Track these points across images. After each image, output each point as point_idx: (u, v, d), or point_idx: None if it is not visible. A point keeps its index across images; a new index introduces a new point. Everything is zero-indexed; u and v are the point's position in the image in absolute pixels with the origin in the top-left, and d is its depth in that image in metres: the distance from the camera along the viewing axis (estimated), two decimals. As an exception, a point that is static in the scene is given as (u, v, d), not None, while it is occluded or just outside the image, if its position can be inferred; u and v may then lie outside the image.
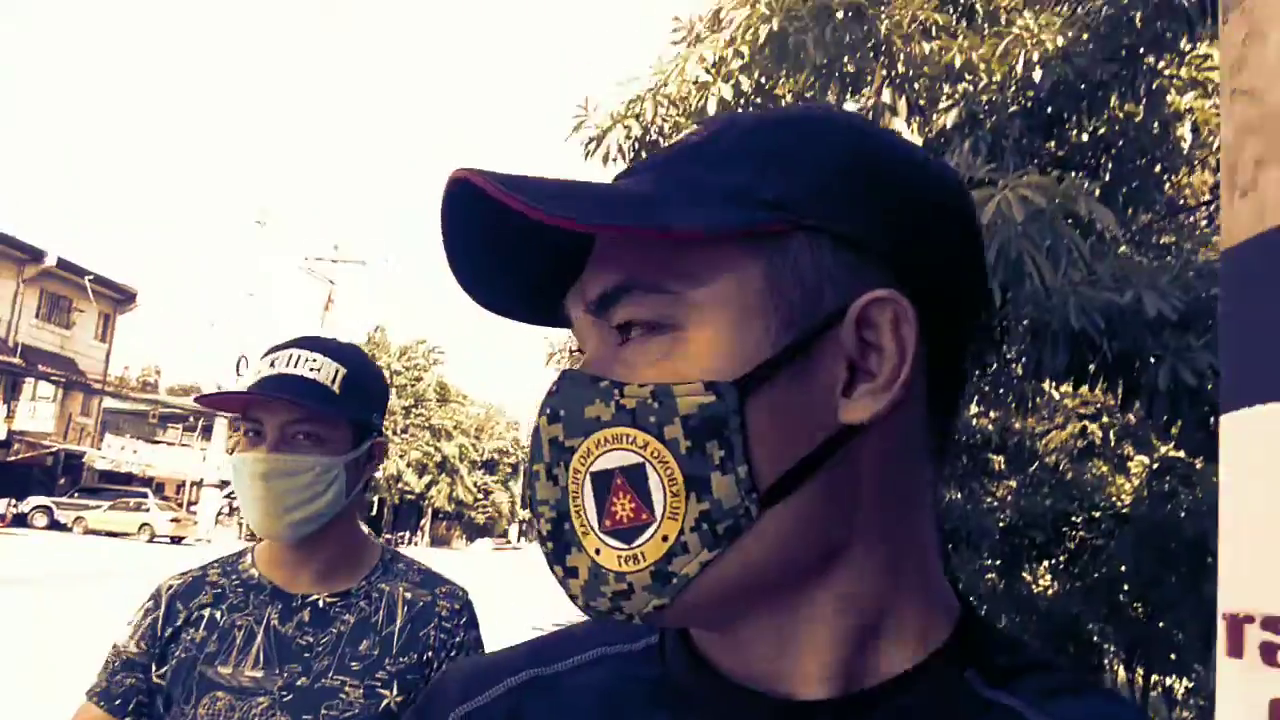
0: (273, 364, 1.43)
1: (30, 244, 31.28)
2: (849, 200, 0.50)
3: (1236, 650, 0.67)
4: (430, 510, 48.36)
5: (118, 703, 1.41)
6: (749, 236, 0.50)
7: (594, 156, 5.64)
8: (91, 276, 34.12)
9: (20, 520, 28.49)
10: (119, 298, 36.89)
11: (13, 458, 30.18)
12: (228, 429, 34.69)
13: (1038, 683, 0.54)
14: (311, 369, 1.42)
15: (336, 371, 1.44)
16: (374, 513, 46.71)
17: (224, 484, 35.08)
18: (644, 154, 5.62)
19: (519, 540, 60.60)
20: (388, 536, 45.78)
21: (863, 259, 0.51)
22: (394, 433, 42.93)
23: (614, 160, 5.62)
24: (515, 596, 16.30)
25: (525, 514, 61.33)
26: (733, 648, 0.55)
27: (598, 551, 0.50)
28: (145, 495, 31.35)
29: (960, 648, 0.55)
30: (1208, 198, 5.87)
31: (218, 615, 1.42)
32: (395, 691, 1.37)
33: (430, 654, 1.42)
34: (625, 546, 0.49)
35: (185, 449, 40.60)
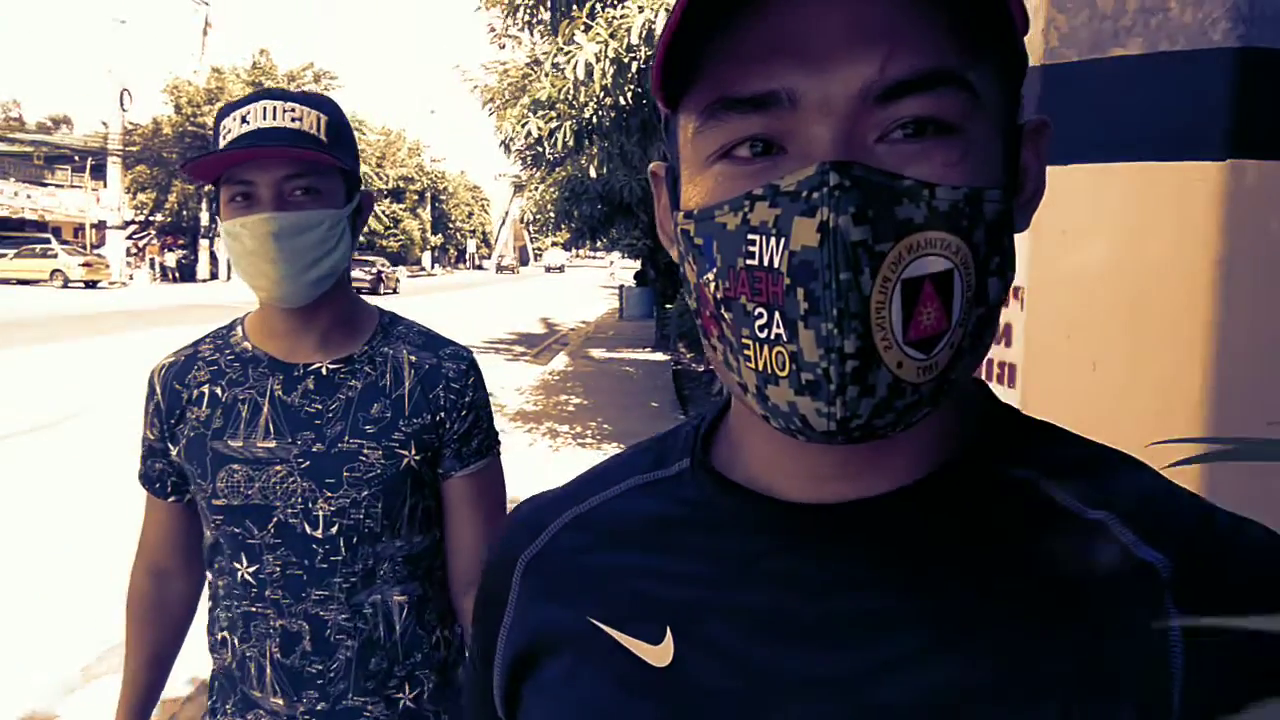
0: (244, 120, 1.30)
1: None
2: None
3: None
4: (341, 242, 48.18)
5: (157, 486, 1.46)
6: (1006, 43, 0.50)
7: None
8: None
9: (-79, 273, 28.00)
10: (-26, 29, 34.03)
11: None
12: (121, 169, 33.47)
13: (1051, 453, 0.56)
14: (294, 119, 1.31)
15: (319, 119, 1.33)
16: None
17: (127, 224, 34.34)
18: None
19: (433, 267, 61.11)
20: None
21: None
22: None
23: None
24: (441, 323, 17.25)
25: (436, 240, 61.45)
26: (786, 464, 0.56)
27: (899, 365, 0.46)
28: (49, 241, 30.71)
29: (991, 435, 0.57)
30: None
31: (218, 391, 1.39)
32: (413, 450, 1.37)
33: (442, 414, 1.41)
34: (925, 357, 0.47)
35: (77, 190, 39.13)
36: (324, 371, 1.38)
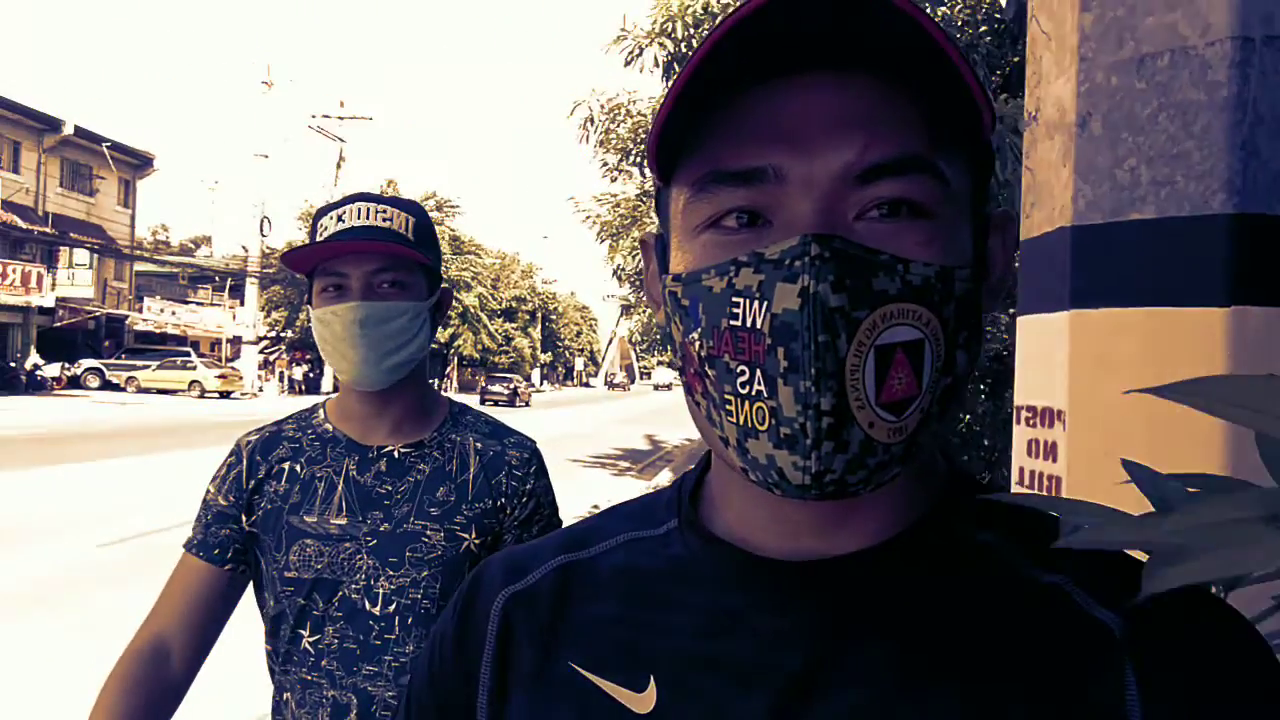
0: (340, 219, 1.42)
1: (47, 113, 31.59)
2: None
3: (1018, 421, 1.82)
4: (456, 359, 50.02)
5: (216, 552, 1.45)
6: (975, 140, 0.55)
7: (632, 67, 6.51)
8: (109, 143, 34.40)
9: (74, 382, 30.13)
10: (137, 163, 37.12)
11: (59, 324, 31.55)
12: (258, 289, 35.77)
13: (1011, 520, 0.59)
14: (385, 219, 1.42)
15: (407, 220, 1.44)
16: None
17: (260, 339, 36.48)
18: (677, 67, 6.48)
19: (541, 384, 62.52)
20: (416, 384, 47.49)
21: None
22: (415, 284, 43.95)
23: (650, 71, 6.49)
24: (546, 435, 17.76)
25: (546, 357, 63.10)
26: (762, 519, 0.59)
27: (871, 425, 0.50)
28: (189, 354, 32.85)
29: (954, 501, 0.60)
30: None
31: (297, 468, 1.45)
32: (474, 534, 1.42)
33: (503, 500, 1.46)
34: (896, 419, 0.50)
35: (216, 308, 41.84)
36: (396, 454, 1.46)
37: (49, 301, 29.74)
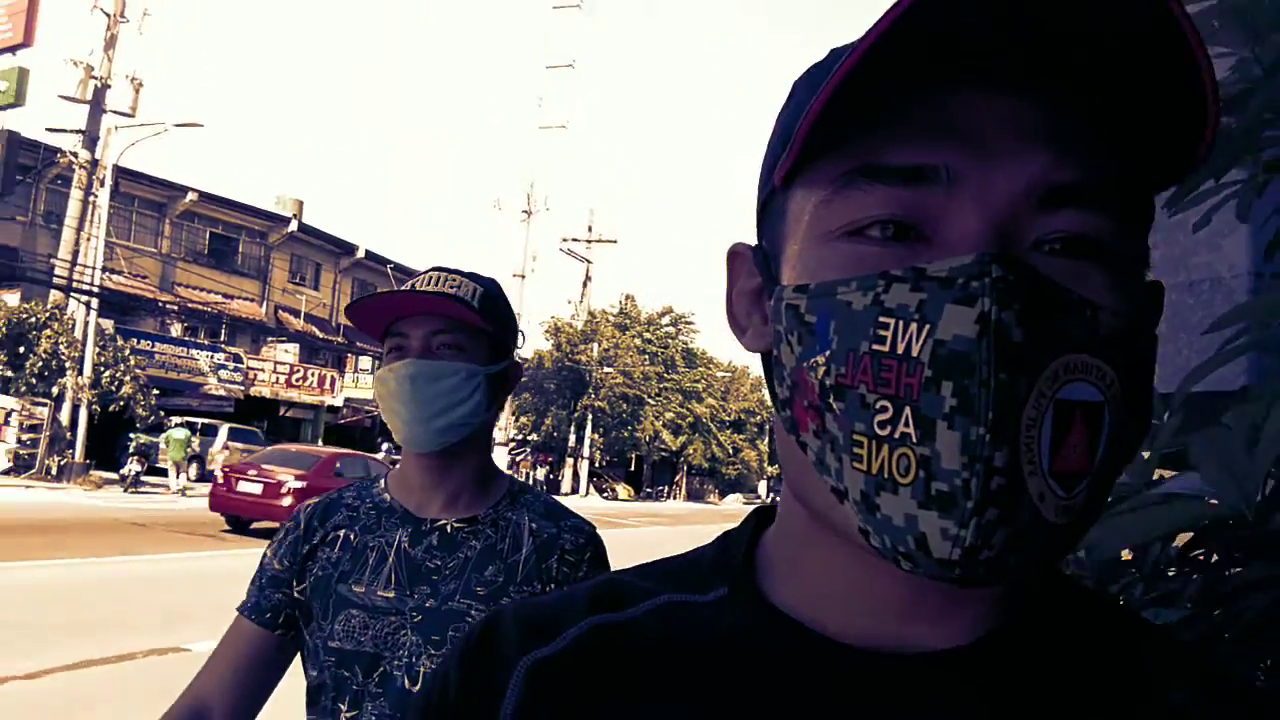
0: (413, 288, 1.47)
1: (345, 240, 36.54)
2: None
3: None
4: (685, 467, 51.39)
5: (268, 616, 1.45)
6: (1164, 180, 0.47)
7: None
8: (392, 265, 38.80)
9: (352, 474, 33.93)
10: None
11: (342, 420, 35.68)
12: (510, 396, 38.61)
13: (1113, 619, 0.53)
14: (452, 286, 1.46)
15: (474, 289, 1.47)
16: (633, 469, 50.38)
17: (510, 441, 39.36)
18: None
19: (767, 496, 62.74)
20: (647, 490, 49.42)
21: None
22: (649, 396, 46.16)
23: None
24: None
25: (773, 470, 63.37)
26: (845, 595, 0.50)
27: (1041, 497, 0.40)
28: (447, 453, 36.09)
29: (1051, 591, 0.52)
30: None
31: (351, 536, 1.45)
32: None
33: (553, 586, 1.42)
34: (1065, 496, 0.41)
35: (470, 411, 45.39)
36: (449, 529, 1.44)
37: (339, 401, 33.81)
